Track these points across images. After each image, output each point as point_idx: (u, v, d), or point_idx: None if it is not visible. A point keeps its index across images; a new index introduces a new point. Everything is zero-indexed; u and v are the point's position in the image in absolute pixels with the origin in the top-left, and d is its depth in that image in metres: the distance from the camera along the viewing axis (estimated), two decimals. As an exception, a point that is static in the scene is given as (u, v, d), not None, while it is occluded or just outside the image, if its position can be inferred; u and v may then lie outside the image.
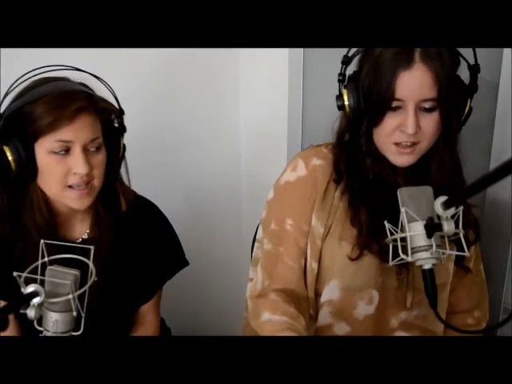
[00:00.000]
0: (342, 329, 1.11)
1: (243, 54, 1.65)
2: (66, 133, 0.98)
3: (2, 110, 1.00)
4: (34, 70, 1.01)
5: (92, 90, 1.06)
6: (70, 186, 1.01)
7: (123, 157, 1.10)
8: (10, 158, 0.97)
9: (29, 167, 0.99)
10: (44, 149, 0.99)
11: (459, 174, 1.07)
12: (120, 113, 1.09)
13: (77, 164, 0.99)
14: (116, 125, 1.09)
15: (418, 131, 0.98)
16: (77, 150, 0.99)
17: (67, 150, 0.99)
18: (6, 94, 1.01)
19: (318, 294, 1.11)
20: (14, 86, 1.01)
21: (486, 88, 1.09)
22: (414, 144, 1.00)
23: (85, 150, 1.00)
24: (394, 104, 0.98)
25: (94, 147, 1.02)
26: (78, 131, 0.98)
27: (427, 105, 0.97)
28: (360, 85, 1.01)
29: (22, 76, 1.01)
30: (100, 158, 1.03)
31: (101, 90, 1.07)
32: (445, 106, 0.98)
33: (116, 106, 1.08)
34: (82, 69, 1.05)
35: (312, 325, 1.12)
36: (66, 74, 1.05)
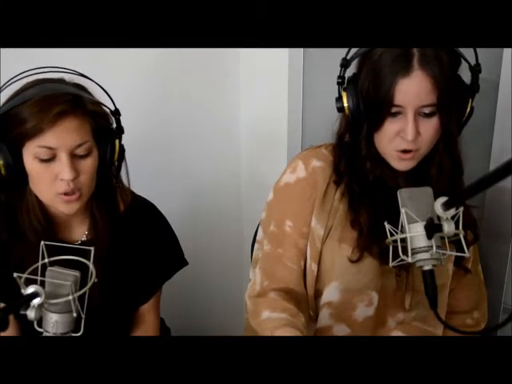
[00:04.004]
0: (341, 330, 1.11)
1: (243, 54, 1.65)
2: (49, 138, 0.95)
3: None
4: (22, 73, 0.99)
5: (87, 92, 1.03)
6: (59, 193, 0.99)
7: (122, 159, 1.07)
8: None
9: (18, 172, 0.97)
10: (30, 154, 0.97)
11: (459, 176, 1.07)
12: (115, 114, 1.06)
13: (62, 170, 0.97)
14: (112, 126, 1.06)
15: (418, 136, 0.98)
16: (62, 156, 0.96)
17: (54, 157, 0.97)
18: None
19: (317, 296, 1.11)
20: (3, 88, 0.99)
21: (486, 88, 1.08)
22: (414, 150, 0.99)
23: (71, 155, 0.98)
24: (394, 110, 0.98)
25: (81, 152, 0.99)
26: (62, 136, 0.96)
27: (427, 110, 0.97)
28: (359, 88, 1.01)
29: (11, 78, 0.99)
30: (89, 163, 1.00)
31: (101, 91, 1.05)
32: (444, 110, 0.97)
33: (111, 107, 1.05)
34: (73, 70, 1.03)
35: (312, 326, 1.12)
36: (62, 75, 1.03)
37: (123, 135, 1.08)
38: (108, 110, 1.05)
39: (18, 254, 1.04)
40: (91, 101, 1.01)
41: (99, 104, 1.04)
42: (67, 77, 1.04)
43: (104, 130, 1.04)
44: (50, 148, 0.96)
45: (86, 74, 1.04)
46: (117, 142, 1.05)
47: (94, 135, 1.02)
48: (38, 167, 0.97)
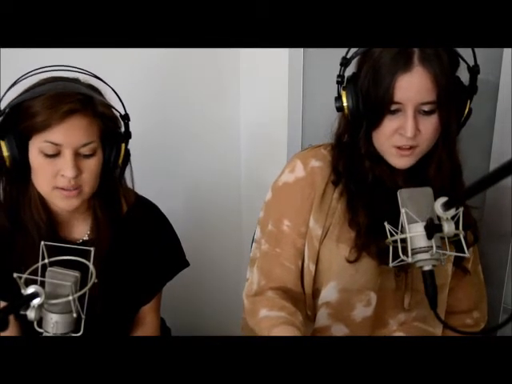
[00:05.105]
0: (339, 330, 1.11)
1: (243, 54, 1.65)
2: (55, 134, 0.97)
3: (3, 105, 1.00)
4: (39, 69, 1.01)
5: (99, 93, 1.05)
6: (58, 187, 1.00)
7: (126, 163, 1.08)
8: (5, 153, 0.97)
9: (22, 165, 0.99)
10: (36, 148, 0.98)
11: (459, 176, 1.07)
12: (124, 118, 1.07)
13: (65, 167, 0.98)
14: (120, 130, 1.07)
15: (418, 134, 0.98)
16: (67, 153, 0.98)
17: (58, 153, 0.98)
18: (8, 90, 1.01)
19: (315, 296, 1.11)
20: (17, 82, 1.01)
21: (486, 88, 1.08)
22: (413, 146, 1.00)
23: (76, 154, 0.99)
24: (393, 107, 0.98)
25: (86, 152, 1.00)
26: (69, 134, 0.97)
27: (426, 108, 0.97)
28: (359, 87, 1.01)
29: (27, 73, 1.02)
30: (92, 164, 1.01)
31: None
32: (444, 108, 0.98)
33: (121, 111, 1.07)
34: (92, 72, 1.05)
35: (310, 326, 1.12)
36: (77, 75, 1.05)
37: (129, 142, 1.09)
38: (118, 114, 1.07)
39: (20, 249, 1.05)
40: (102, 102, 1.03)
41: (110, 107, 1.05)
42: (82, 77, 1.05)
43: (111, 132, 1.05)
44: (55, 144, 0.97)
45: (100, 77, 1.06)
46: (123, 146, 1.06)
47: (100, 137, 1.03)
48: (41, 161, 0.99)
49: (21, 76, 1.02)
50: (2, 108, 0.99)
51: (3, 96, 1.00)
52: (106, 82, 1.07)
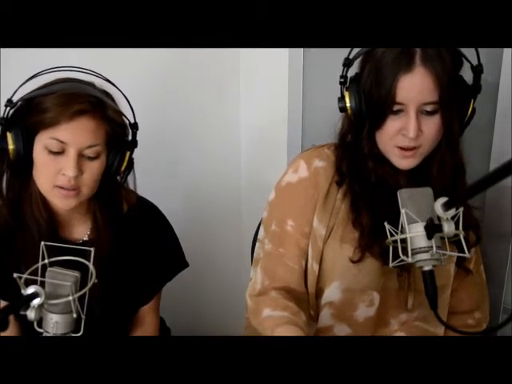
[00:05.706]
0: (342, 330, 1.11)
1: (243, 54, 1.65)
2: (62, 131, 0.98)
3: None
4: (56, 68, 1.02)
5: (112, 100, 1.06)
6: (58, 186, 1.01)
7: (129, 171, 1.08)
8: (10, 145, 0.98)
9: (25, 158, 0.99)
10: (41, 144, 0.99)
11: (462, 176, 1.07)
12: (133, 127, 1.08)
13: (67, 166, 0.98)
14: (127, 138, 1.08)
15: (420, 134, 0.98)
16: (71, 152, 0.98)
17: (62, 151, 0.99)
18: (24, 83, 1.01)
19: (318, 296, 1.11)
20: (35, 76, 1.02)
21: (486, 89, 1.08)
22: (415, 147, 1.00)
23: (80, 154, 1.00)
24: (396, 107, 0.98)
25: (90, 154, 1.00)
26: (76, 133, 0.98)
27: (429, 108, 0.97)
28: (361, 87, 1.01)
29: (43, 70, 1.03)
30: (94, 167, 1.02)
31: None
32: (446, 108, 0.97)
33: (132, 119, 1.07)
34: (100, 74, 1.06)
35: (312, 326, 1.12)
36: (93, 80, 1.06)
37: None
38: (127, 122, 1.07)
39: (20, 246, 1.05)
40: (112, 108, 1.04)
41: (120, 114, 1.05)
42: (97, 82, 1.06)
43: (118, 139, 1.06)
44: (61, 141, 0.98)
45: (113, 82, 1.07)
46: (127, 154, 1.06)
47: (106, 141, 1.03)
48: (45, 158, 0.99)
49: (38, 72, 1.03)
50: (15, 101, 1.00)
51: (17, 89, 1.01)
52: (123, 93, 1.08)
